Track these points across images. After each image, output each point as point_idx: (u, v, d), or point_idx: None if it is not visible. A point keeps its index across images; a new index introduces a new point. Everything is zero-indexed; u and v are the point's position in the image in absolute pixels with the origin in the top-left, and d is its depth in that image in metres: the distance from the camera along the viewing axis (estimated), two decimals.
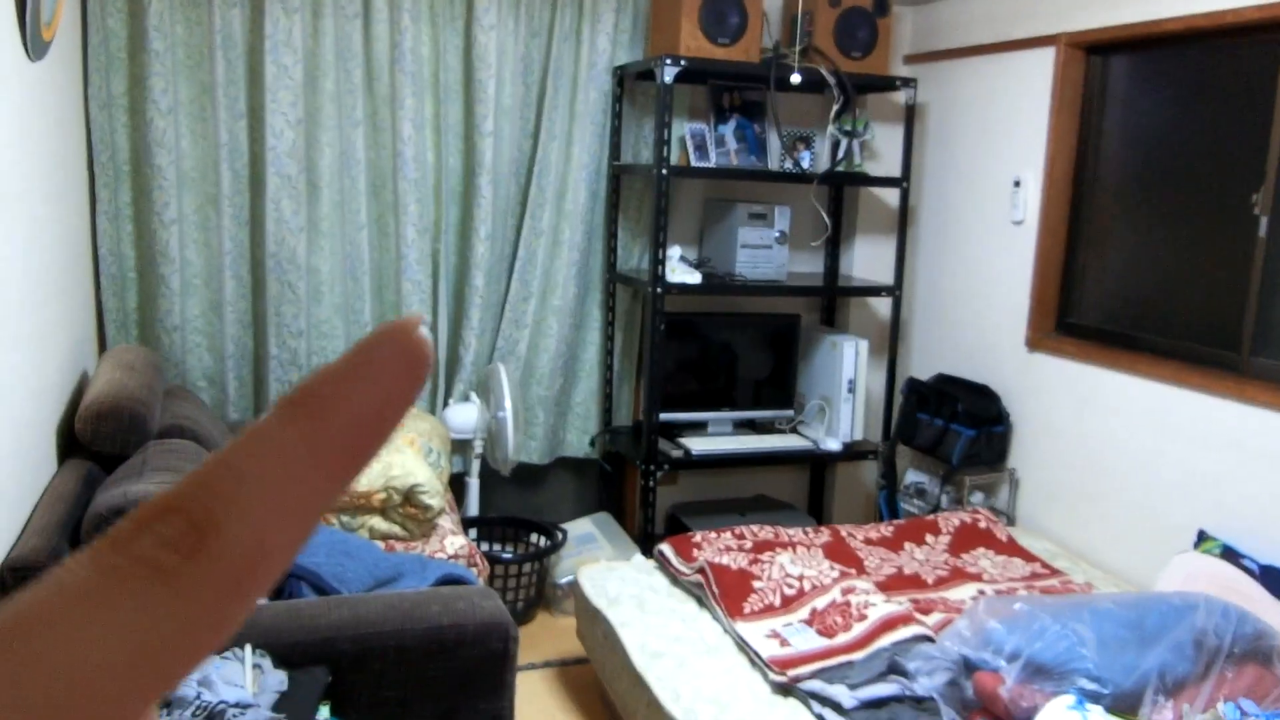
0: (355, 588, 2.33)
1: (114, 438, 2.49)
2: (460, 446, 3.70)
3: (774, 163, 3.97)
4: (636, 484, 3.88)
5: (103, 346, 3.34)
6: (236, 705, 1.64)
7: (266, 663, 1.84)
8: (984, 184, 3.78)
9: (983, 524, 3.29)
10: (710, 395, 3.87)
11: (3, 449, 2.03)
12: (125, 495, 2.13)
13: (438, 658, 2.15)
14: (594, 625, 2.80)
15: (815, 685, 2.34)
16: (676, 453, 3.64)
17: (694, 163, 3.81)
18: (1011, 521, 3.66)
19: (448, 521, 2.94)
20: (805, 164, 3.95)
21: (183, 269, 3.36)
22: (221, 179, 3.34)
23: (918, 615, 2.59)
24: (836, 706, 2.28)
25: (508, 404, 3.44)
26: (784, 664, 2.40)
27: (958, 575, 3.01)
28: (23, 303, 2.25)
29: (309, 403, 0.25)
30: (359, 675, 2.09)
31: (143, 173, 3.28)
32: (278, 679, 1.79)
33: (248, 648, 1.84)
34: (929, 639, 2.49)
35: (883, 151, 4.11)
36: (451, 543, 2.80)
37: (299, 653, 2.02)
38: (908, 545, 3.17)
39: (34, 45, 2.37)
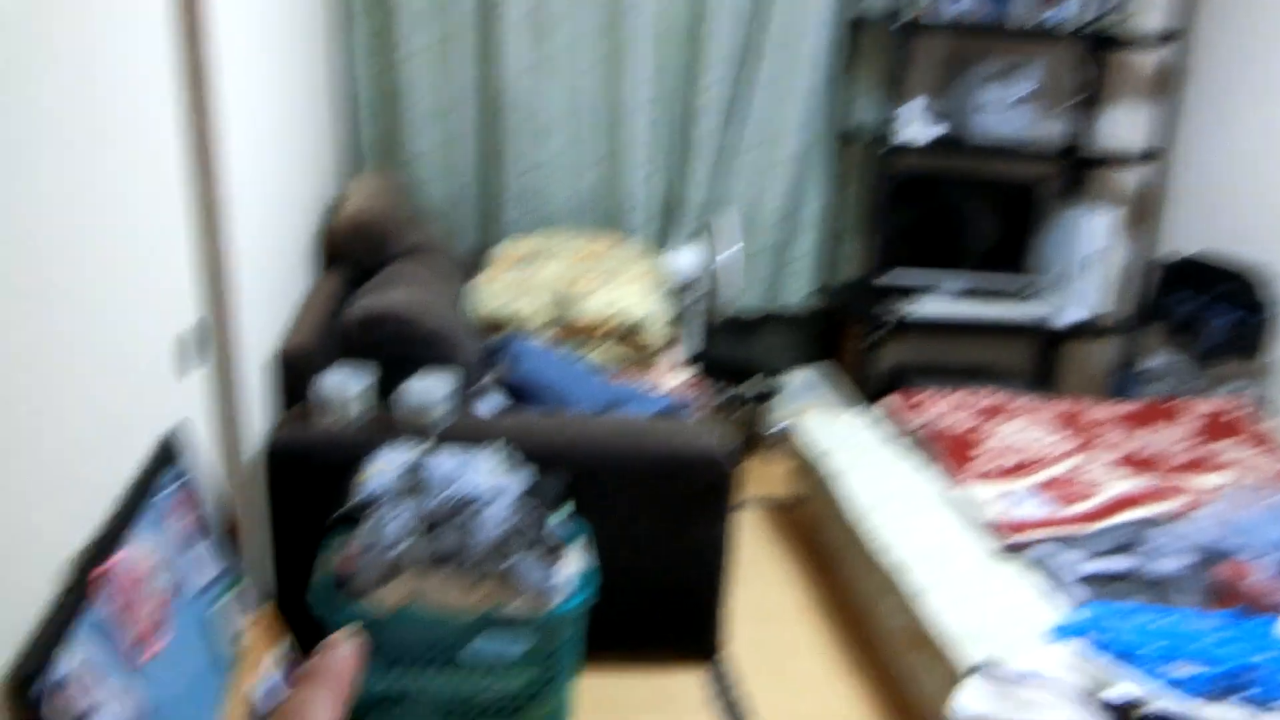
0: (584, 409, 2.40)
1: (364, 251, 2.65)
2: (680, 290, 3.70)
3: (1025, 16, 3.63)
4: (855, 342, 3.80)
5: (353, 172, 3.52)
6: (485, 492, 1.73)
7: (515, 459, 1.94)
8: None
9: (1235, 414, 3.03)
10: (938, 257, 3.69)
11: (286, 254, 2.20)
12: (378, 303, 2.27)
13: (662, 481, 2.20)
14: (810, 471, 2.79)
15: (1041, 552, 2.26)
16: (899, 313, 3.52)
17: (936, 14, 3.53)
18: (1268, 417, 3.36)
19: (667, 359, 2.97)
20: (1063, 16, 3.60)
21: (420, 102, 3.45)
22: (457, 15, 3.37)
23: (1158, 496, 2.44)
24: (1061, 576, 2.19)
25: (730, 250, 3.41)
26: (1012, 528, 2.32)
27: (1202, 463, 2.80)
28: (284, 132, 2.41)
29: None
30: (593, 487, 2.18)
31: (383, 7, 3.35)
32: (523, 474, 1.88)
33: (501, 441, 1.94)
34: (1169, 521, 2.34)
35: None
36: (671, 379, 2.83)
37: (538, 458, 2.12)
38: (1149, 426, 2.97)
39: None
